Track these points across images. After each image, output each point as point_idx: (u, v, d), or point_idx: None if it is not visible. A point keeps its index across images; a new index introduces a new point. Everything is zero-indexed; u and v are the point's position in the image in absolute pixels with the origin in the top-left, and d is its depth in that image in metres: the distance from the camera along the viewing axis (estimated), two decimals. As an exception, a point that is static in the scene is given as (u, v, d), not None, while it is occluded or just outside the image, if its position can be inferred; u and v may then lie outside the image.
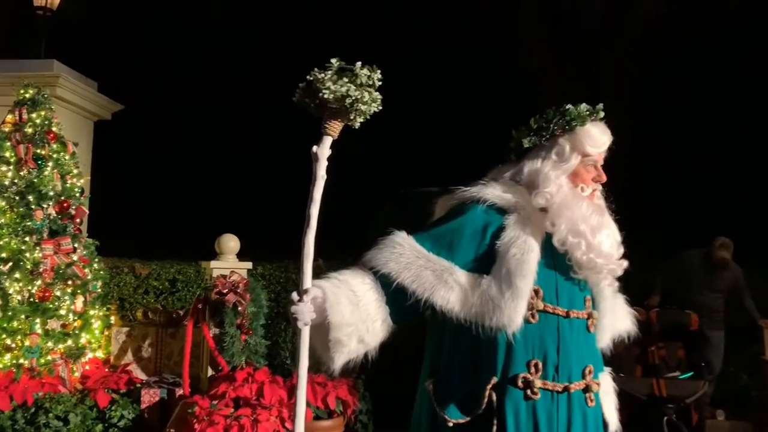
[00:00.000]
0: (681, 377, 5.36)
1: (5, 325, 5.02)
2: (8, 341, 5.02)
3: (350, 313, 1.82)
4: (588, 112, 1.97)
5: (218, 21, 12.50)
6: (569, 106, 1.98)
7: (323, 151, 1.84)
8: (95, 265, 5.68)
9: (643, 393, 5.07)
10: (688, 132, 11.00)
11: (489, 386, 1.84)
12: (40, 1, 7.20)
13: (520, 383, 1.83)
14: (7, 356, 5.00)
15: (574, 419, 1.87)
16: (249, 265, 6.08)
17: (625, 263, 1.98)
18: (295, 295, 1.83)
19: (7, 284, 5.07)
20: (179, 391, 5.16)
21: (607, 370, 2.12)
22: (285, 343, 6.08)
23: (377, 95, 1.80)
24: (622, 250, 1.97)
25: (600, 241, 1.89)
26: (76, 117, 7.07)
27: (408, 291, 1.85)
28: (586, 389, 1.91)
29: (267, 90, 11.92)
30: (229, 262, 5.91)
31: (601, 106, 2.01)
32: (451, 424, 1.85)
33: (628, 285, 2.11)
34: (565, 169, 1.94)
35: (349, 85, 1.75)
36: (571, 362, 1.87)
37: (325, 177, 1.85)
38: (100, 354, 5.66)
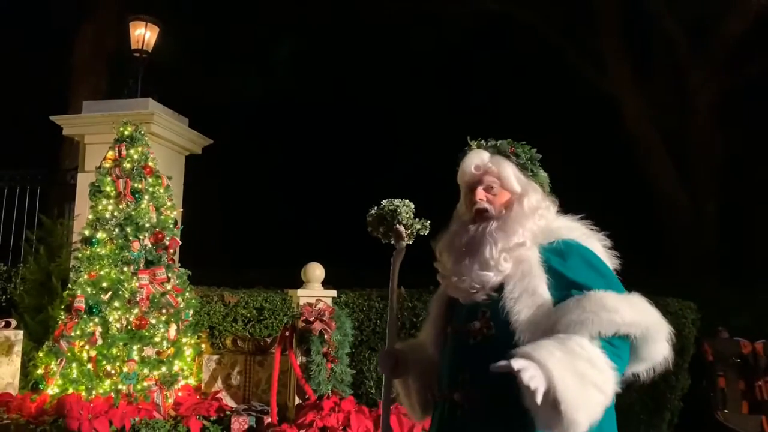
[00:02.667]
0: (793, 414, 4.98)
1: (105, 351, 5.25)
2: (108, 367, 5.24)
3: None
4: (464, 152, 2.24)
5: (303, 53, 12.90)
6: None
7: (397, 260, 2.39)
8: (187, 294, 5.87)
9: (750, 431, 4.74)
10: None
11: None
12: (137, 44, 7.62)
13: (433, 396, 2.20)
14: (107, 382, 5.21)
15: (459, 424, 1.99)
16: (333, 293, 6.14)
17: (484, 279, 2.01)
18: None
19: (107, 312, 5.31)
20: (267, 419, 5.22)
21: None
22: (369, 372, 6.06)
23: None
24: (497, 264, 2.01)
25: (447, 261, 2.15)
26: (169, 152, 7.39)
27: None
28: (452, 395, 2.00)
29: (351, 121, 12.15)
30: (314, 291, 5.99)
31: (468, 139, 2.26)
32: None
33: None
34: (459, 207, 2.25)
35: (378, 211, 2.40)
36: (449, 373, 2.08)
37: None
38: (191, 381, 5.81)
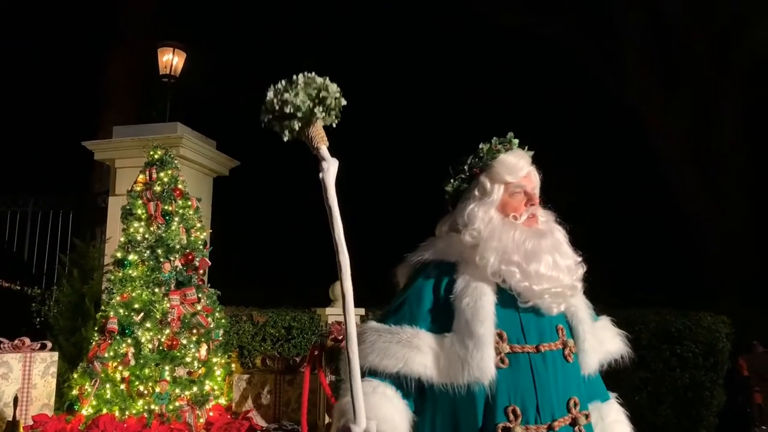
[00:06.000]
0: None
1: (138, 372, 5.32)
2: (141, 388, 5.30)
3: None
4: (499, 143, 1.99)
5: (328, 71, 13.07)
6: (481, 144, 2.01)
7: (330, 174, 1.66)
8: (217, 314, 5.92)
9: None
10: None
11: None
12: (165, 69, 7.81)
13: None
14: (140, 402, 5.27)
15: None
16: (362, 311, 6.16)
17: (577, 285, 1.90)
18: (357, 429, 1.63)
19: (139, 333, 5.39)
20: (298, 438, 5.24)
21: (613, 396, 2.04)
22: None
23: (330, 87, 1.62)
24: (576, 271, 1.90)
25: (536, 267, 1.82)
26: (197, 174, 7.51)
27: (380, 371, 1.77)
28: (573, 423, 1.79)
29: (376, 140, 12.22)
30: (342, 309, 6.00)
31: (511, 134, 2.01)
32: None
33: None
34: (490, 203, 1.93)
35: (303, 92, 1.59)
36: (551, 399, 1.77)
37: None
38: (222, 401, 5.85)
